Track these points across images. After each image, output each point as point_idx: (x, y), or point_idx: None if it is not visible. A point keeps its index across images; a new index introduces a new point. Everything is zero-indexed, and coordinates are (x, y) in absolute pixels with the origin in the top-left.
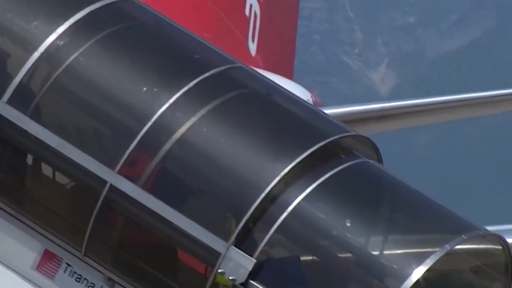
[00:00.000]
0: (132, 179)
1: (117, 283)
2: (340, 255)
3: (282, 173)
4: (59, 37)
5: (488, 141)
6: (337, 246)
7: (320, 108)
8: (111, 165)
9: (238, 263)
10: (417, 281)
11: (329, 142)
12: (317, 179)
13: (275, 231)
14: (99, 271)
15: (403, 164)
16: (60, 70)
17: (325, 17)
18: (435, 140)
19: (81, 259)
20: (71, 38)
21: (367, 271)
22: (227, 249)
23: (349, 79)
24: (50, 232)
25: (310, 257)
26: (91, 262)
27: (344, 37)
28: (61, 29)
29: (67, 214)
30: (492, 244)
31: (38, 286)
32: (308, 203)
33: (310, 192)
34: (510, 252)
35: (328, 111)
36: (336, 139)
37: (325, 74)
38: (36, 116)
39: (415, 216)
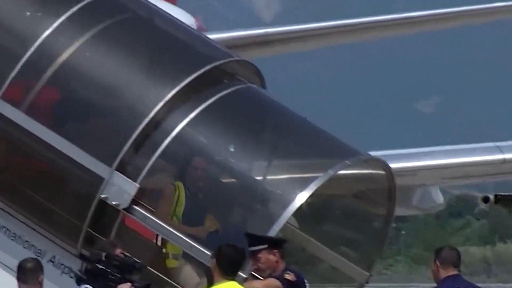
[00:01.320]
0: (14, 103)
1: (1, 209)
2: (223, 180)
3: (166, 99)
4: None
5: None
6: (220, 172)
7: (203, 33)
8: None
9: (121, 188)
10: (301, 206)
11: (213, 67)
12: (201, 105)
13: (159, 156)
14: None
15: (287, 90)
16: None
17: None
18: (319, 66)
19: None
20: None
21: (251, 197)
22: (111, 175)
23: (233, 5)
24: None
25: (195, 183)
26: None
27: None
28: None
29: None
30: (375, 169)
31: None
32: (192, 128)
33: (194, 117)
34: (393, 177)
35: (212, 36)
36: (220, 64)
37: None
38: None
39: (298, 141)
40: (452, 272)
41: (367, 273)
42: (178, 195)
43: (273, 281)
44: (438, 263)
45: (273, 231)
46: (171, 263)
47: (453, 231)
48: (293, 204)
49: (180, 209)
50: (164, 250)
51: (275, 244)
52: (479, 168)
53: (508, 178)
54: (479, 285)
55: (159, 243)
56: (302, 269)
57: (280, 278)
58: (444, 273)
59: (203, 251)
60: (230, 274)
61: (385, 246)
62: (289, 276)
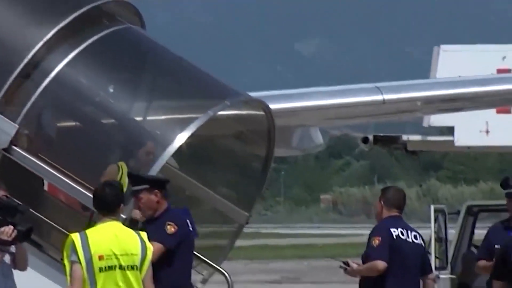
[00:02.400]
0: None
1: None
2: (103, 121)
3: (45, 39)
4: None
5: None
6: (100, 112)
7: None
8: None
9: (0, 129)
10: (181, 146)
11: (91, 8)
12: (80, 45)
13: (38, 97)
14: None
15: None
16: None
17: None
18: (202, 7)
19: None
20: None
21: (131, 138)
22: None
23: None
24: None
25: (74, 123)
26: None
27: None
28: None
29: None
30: (255, 110)
31: None
32: (71, 69)
33: (73, 57)
34: (272, 118)
35: None
36: (99, 4)
37: None
38: None
39: (179, 82)
40: (394, 213)
41: (247, 214)
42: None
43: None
44: (382, 203)
45: (153, 171)
46: None
47: (333, 171)
48: (173, 144)
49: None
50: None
51: (156, 184)
52: (358, 109)
53: (388, 119)
54: (358, 225)
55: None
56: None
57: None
58: (386, 213)
59: (83, 192)
60: (107, 214)
61: (264, 187)
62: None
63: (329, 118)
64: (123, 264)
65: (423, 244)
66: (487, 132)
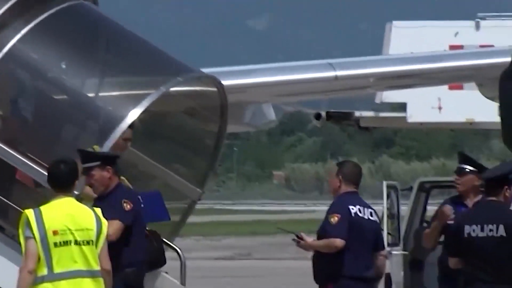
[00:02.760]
0: None
1: None
2: (55, 97)
3: None
4: None
5: None
6: (52, 88)
7: None
8: None
9: None
10: (133, 123)
11: None
12: (32, 21)
13: None
14: None
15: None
16: None
17: None
18: None
19: None
20: None
21: (83, 114)
22: None
23: None
24: None
25: (26, 99)
26: None
27: None
28: None
29: None
30: (207, 86)
31: None
32: (24, 45)
33: (25, 33)
34: (225, 94)
35: None
36: None
37: None
38: None
39: (132, 58)
40: (352, 189)
41: (199, 190)
42: None
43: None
44: (340, 177)
45: (106, 147)
46: None
47: (285, 148)
48: (125, 120)
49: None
50: None
51: (108, 160)
52: (311, 85)
53: (340, 95)
54: (311, 202)
55: None
56: (135, 186)
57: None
58: (344, 189)
59: (36, 169)
60: (61, 190)
61: (217, 163)
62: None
63: (282, 95)
64: (78, 239)
65: (378, 221)
66: (440, 108)
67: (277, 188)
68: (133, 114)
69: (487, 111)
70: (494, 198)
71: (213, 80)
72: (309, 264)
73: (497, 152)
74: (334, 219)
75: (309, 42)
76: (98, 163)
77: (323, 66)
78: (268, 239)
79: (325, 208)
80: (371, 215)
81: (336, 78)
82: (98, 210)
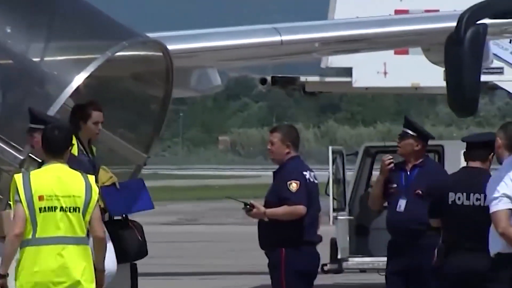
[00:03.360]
0: None
1: None
2: (1, 63)
3: None
4: None
5: None
6: None
7: None
8: None
9: None
10: (78, 87)
11: None
12: None
13: None
14: None
15: None
16: None
17: None
18: None
19: None
20: None
21: (28, 78)
22: None
23: None
24: None
25: None
26: None
27: None
28: None
29: None
30: (153, 51)
31: None
32: None
33: None
34: (170, 59)
35: None
36: None
37: None
38: None
39: (77, 23)
40: (297, 153)
41: (145, 155)
42: None
43: None
44: (290, 143)
45: (51, 112)
46: None
47: (231, 113)
48: (71, 85)
49: None
50: None
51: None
52: (257, 50)
53: (286, 60)
54: (256, 167)
55: None
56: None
57: None
58: (293, 153)
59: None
60: (54, 156)
61: (163, 128)
62: None
63: (227, 59)
64: (64, 205)
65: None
66: (385, 73)
67: (223, 153)
68: (79, 79)
69: (432, 76)
70: (478, 165)
71: (159, 45)
72: (255, 229)
73: (443, 117)
74: (294, 186)
75: (256, 6)
76: (42, 126)
77: (268, 31)
78: (214, 204)
79: (270, 173)
80: (315, 178)
81: (281, 43)
82: (91, 178)
